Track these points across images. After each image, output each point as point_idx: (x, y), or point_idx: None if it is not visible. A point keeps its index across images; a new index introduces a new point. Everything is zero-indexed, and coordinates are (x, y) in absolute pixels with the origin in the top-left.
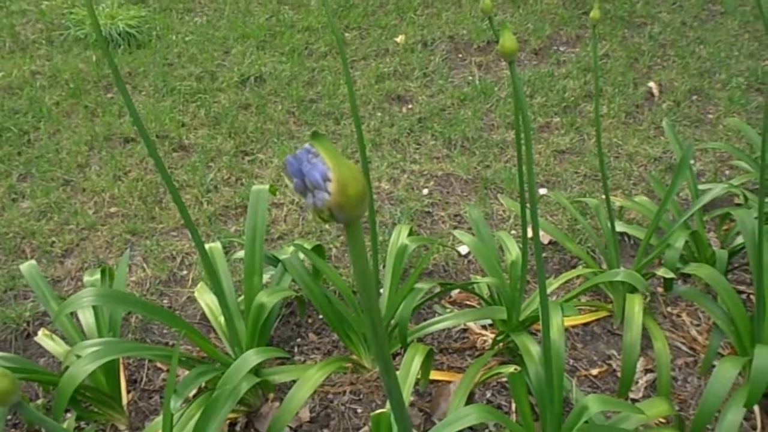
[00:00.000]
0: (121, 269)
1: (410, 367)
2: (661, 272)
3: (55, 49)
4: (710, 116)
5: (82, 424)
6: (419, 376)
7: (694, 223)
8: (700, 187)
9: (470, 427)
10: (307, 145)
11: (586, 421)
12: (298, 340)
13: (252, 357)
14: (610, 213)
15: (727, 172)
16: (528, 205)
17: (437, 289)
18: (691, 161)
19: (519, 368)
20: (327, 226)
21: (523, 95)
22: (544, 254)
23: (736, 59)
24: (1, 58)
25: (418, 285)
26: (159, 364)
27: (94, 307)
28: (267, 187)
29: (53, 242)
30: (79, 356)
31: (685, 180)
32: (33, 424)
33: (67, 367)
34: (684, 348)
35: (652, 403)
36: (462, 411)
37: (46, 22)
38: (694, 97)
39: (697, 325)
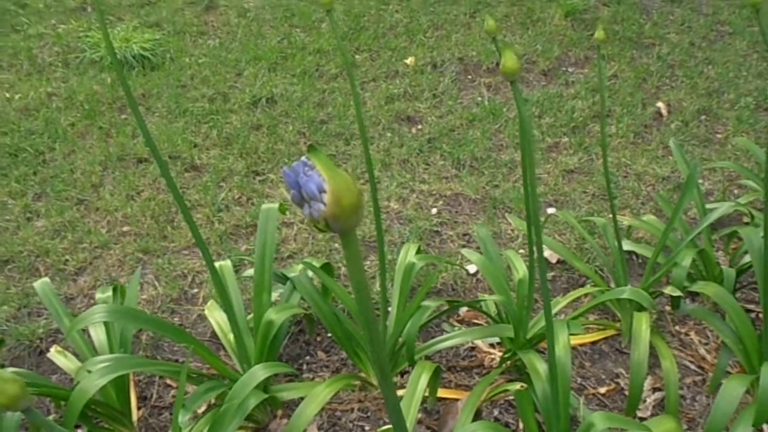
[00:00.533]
0: (133, 287)
1: (417, 385)
2: (668, 290)
3: (70, 71)
4: (719, 136)
5: None
6: (427, 394)
7: (702, 241)
8: (708, 206)
9: None
10: (303, 158)
11: None
12: (307, 357)
13: (259, 372)
14: (617, 232)
15: (735, 191)
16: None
17: (445, 307)
18: (700, 181)
19: (525, 385)
20: (336, 245)
21: (526, 113)
22: (552, 273)
23: (745, 79)
24: (18, 80)
25: (426, 303)
26: (169, 381)
27: (105, 325)
28: (276, 205)
29: (66, 260)
30: (90, 371)
31: (693, 199)
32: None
33: (78, 383)
34: (692, 366)
35: (659, 421)
36: (468, 427)
37: (63, 45)
38: (703, 117)
39: (706, 344)
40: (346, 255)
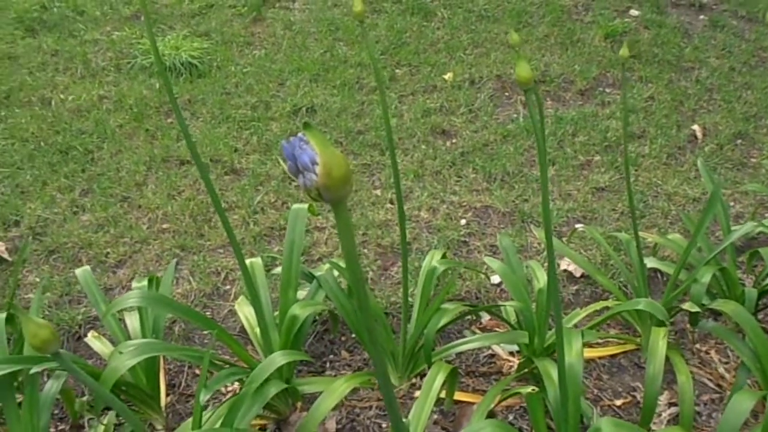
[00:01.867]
0: (167, 277)
1: (433, 383)
2: (687, 306)
3: (122, 75)
4: (753, 160)
5: (122, 420)
6: (444, 396)
7: (726, 262)
8: (734, 227)
9: None
10: (299, 134)
11: None
12: (331, 356)
13: (278, 358)
14: (638, 246)
15: (767, 215)
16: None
17: (467, 313)
18: (731, 203)
19: (537, 389)
20: (365, 250)
21: (538, 121)
22: (575, 287)
23: None
24: (72, 82)
25: (445, 305)
26: (197, 371)
27: (139, 313)
28: (306, 206)
29: (108, 253)
30: (121, 353)
31: (718, 217)
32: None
33: (110, 362)
34: (711, 384)
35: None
36: (477, 425)
37: (116, 51)
38: (738, 141)
39: (726, 363)
40: (338, 224)
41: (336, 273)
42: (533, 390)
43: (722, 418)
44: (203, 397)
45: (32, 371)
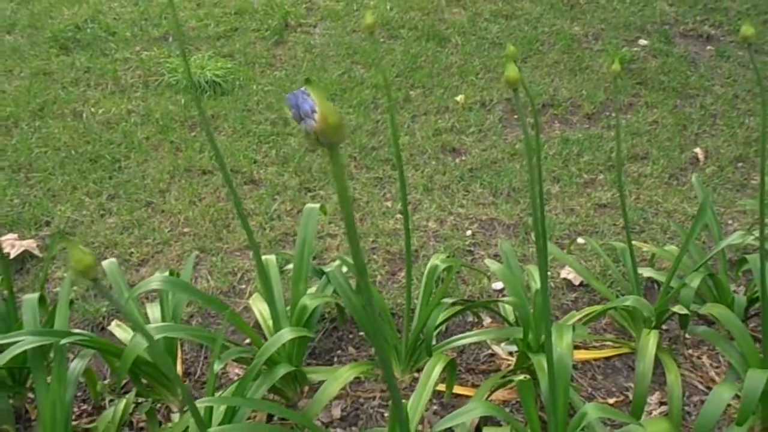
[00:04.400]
0: (187, 269)
1: (432, 372)
2: (676, 309)
3: (149, 91)
4: (753, 182)
5: (140, 399)
6: (443, 389)
7: (718, 272)
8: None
9: None
10: (302, 88)
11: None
12: (338, 351)
13: (287, 334)
14: (631, 252)
15: None
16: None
17: (470, 311)
18: (729, 221)
19: (528, 377)
20: (374, 257)
21: (526, 119)
22: (574, 294)
23: None
24: (102, 97)
25: (445, 300)
26: None
27: (161, 303)
28: (318, 205)
29: (132, 253)
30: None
31: (710, 229)
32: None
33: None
34: (701, 387)
35: (654, 421)
36: (470, 405)
37: (145, 69)
38: (740, 164)
39: (716, 367)
40: (332, 167)
41: (345, 269)
42: (525, 377)
43: (703, 407)
44: (217, 366)
45: (62, 342)
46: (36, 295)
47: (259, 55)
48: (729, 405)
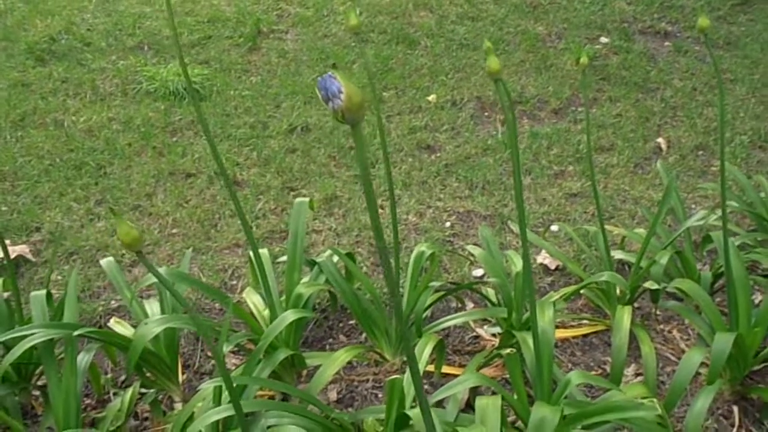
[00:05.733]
0: (183, 265)
1: (423, 351)
2: (648, 284)
3: (128, 99)
4: (714, 168)
5: (143, 390)
6: (433, 369)
7: (684, 249)
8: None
9: None
10: (329, 72)
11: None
12: (330, 340)
13: (290, 315)
14: (604, 235)
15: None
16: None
17: (449, 288)
18: (693, 205)
19: (514, 350)
20: (359, 249)
21: (508, 104)
22: (551, 278)
23: (741, 120)
24: (83, 106)
25: (432, 284)
26: (209, 354)
27: (160, 300)
28: (308, 200)
29: (123, 254)
30: (147, 323)
31: (675, 212)
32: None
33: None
34: (673, 358)
35: (632, 387)
36: (462, 377)
37: (122, 78)
38: (700, 152)
39: (687, 339)
40: (355, 142)
41: (336, 258)
42: (511, 351)
43: (678, 368)
44: (226, 348)
45: (75, 333)
46: (43, 291)
47: (234, 62)
48: (699, 373)
